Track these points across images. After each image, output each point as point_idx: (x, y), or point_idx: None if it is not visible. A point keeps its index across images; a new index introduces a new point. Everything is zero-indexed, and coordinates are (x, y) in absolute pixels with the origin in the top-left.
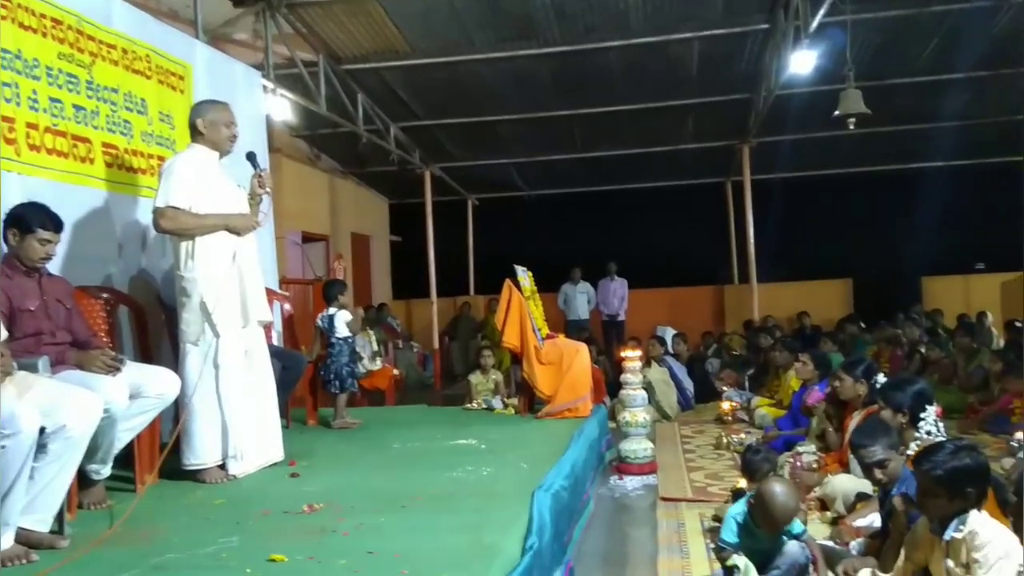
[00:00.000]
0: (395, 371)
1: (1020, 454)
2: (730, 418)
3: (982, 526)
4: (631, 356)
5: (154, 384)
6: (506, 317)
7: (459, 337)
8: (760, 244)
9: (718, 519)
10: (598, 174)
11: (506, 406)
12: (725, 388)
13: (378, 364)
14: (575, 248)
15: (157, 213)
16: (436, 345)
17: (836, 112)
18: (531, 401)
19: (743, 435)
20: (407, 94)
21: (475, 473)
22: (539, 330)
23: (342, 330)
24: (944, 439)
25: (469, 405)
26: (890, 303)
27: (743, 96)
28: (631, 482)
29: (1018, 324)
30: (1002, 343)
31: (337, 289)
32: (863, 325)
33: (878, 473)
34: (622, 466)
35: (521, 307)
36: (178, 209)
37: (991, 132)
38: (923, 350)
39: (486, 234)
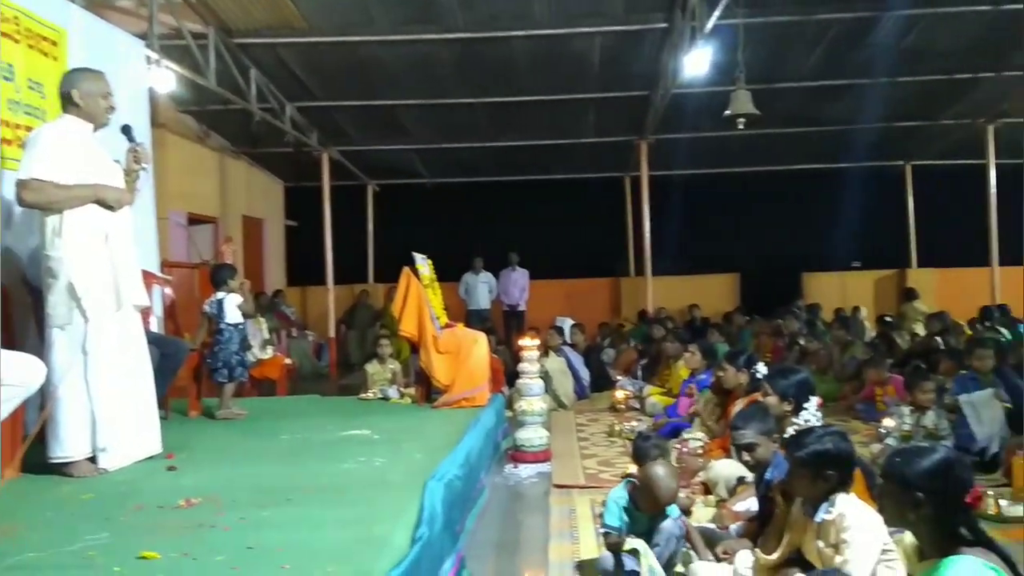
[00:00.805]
0: (287, 360)
1: (887, 440)
2: (623, 407)
3: (850, 508)
4: (529, 345)
5: (16, 371)
6: (404, 305)
7: (357, 326)
8: (656, 238)
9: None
10: (502, 164)
11: (402, 396)
12: (619, 377)
13: (269, 353)
14: (477, 237)
15: (20, 185)
16: (332, 334)
17: (727, 112)
18: (428, 391)
19: (634, 423)
20: (304, 73)
21: (367, 464)
22: (437, 319)
23: (232, 316)
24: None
25: (364, 395)
26: (774, 297)
27: (642, 93)
28: (526, 470)
29: (888, 319)
30: (874, 335)
31: (227, 273)
32: (749, 317)
33: (745, 455)
34: (517, 454)
35: (419, 295)
36: (43, 181)
37: (870, 137)
38: (802, 342)
39: (387, 221)
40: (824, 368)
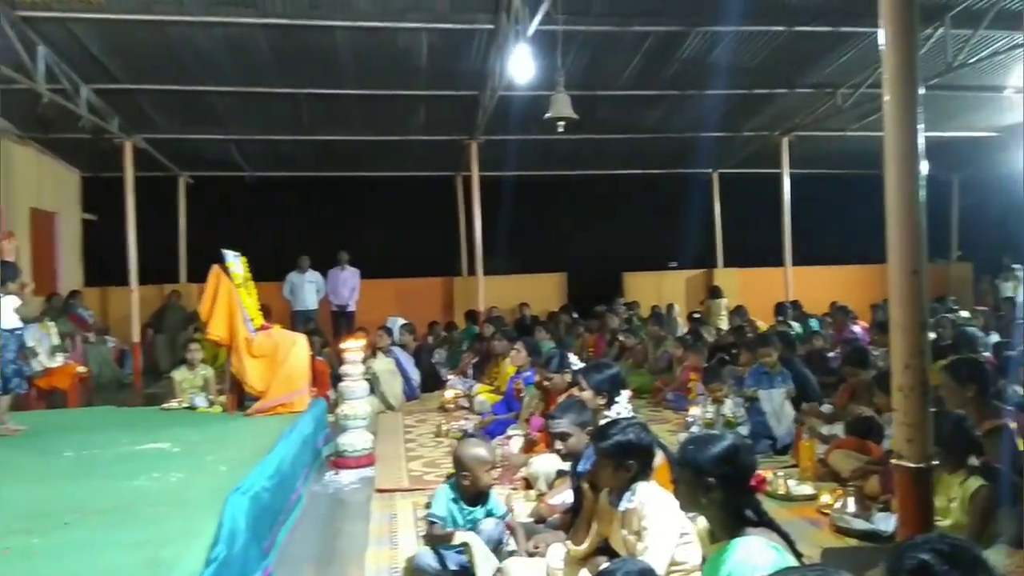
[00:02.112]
0: (80, 369)
1: (693, 428)
2: (452, 406)
3: (651, 496)
4: (351, 347)
5: None
6: (213, 307)
7: (166, 329)
8: (488, 238)
9: (430, 505)
10: (328, 159)
11: (212, 404)
12: (450, 376)
13: (59, 360)
14: (304, 235)
15: None
16: (137, 338)
17: (547, 115)
18: (241, 398)
19: (462, 422)
20: (102, 52)
21: (161, 480)
22: (251, 320)
23: (8, 320)
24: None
25: (168, 404)
26: (598, 295)
27: (472, 93)
28: (347, 476)
29: (697, 315)
30: (685, 331)
31: (7, 273)
32: (575, 315)
33: (558, 444)
34: (339, 460)
35: (230, 296)
36: None
37: (681, 145)
38: (621, 338)
39: (201, 216)
40: (640, 362)
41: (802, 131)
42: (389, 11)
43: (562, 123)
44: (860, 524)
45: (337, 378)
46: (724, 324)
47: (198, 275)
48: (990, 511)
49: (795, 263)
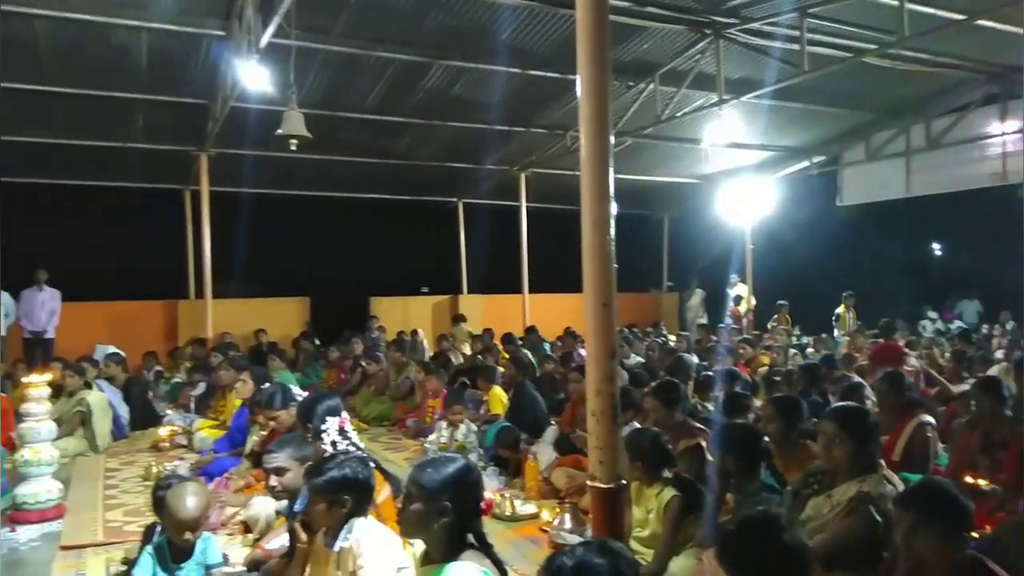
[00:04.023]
0: None
1: (430, 453)
2: (168, 444)
3: (367, 533)
4: (36, 382)
5: None
6: None
7: None
8: (221, 258)
9: (128, 562)
10: (29, 164)
11: None
12: (168, 412)
13: None
14: None
15: None
16: None
17: (278, 131)
18: None
19: (177, 462)
20: None
21: None
22: None
23: None
24: (349, 449)
25: None
26: (344, 321)
27: (200, 102)
28: (27, 532)
29: (445, 340)
30: (431, 355)
31: None
32: (318, 342)
33: (273, 480)
34: (16, 514)
35: None
36: None
37: (429, 173)
38: (363, 364)
39: None
40: (382, 389)
41: (538, 168)
42: (101, 3)
43: (294, 141)
44: (574, 539)
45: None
46: (468, 349)
47: None
48: (681, 519)
49: (532, 291)
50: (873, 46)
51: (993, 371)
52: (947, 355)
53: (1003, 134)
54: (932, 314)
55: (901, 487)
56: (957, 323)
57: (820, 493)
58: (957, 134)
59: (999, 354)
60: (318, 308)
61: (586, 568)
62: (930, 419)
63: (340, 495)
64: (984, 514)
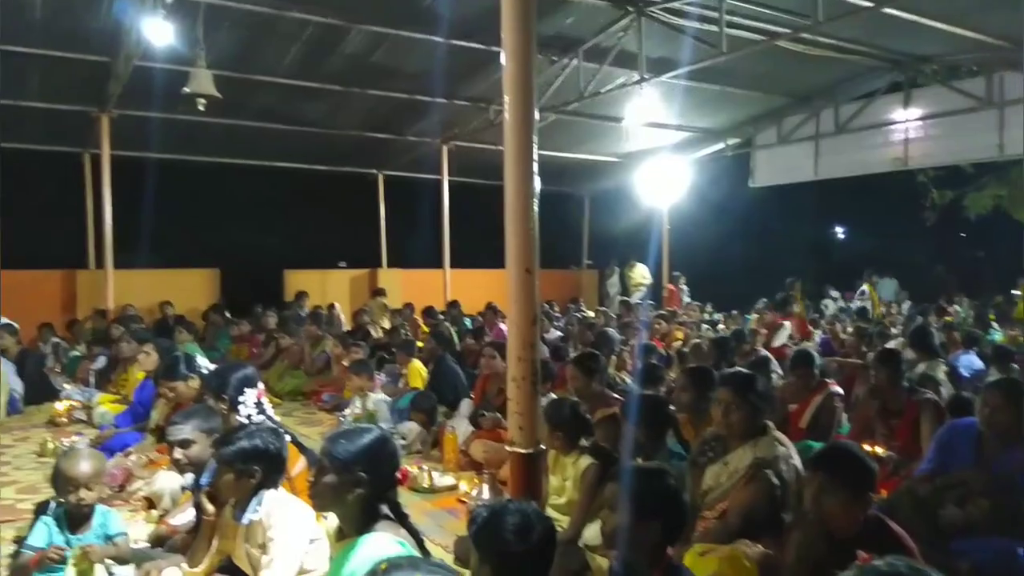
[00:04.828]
0: None
1: (345, 426)
2: (65, 419)
3: (278, 505)
4: None
5: None
6: None
7: None
8: (124, 227)
9: (20, 541)
10: None
11: None
12: (66, 386)
13: None
14: None
15: None
16: None
17: (185, 88)
18: None
19: (75, 437)
20: None
21: None
22: None
23: None
24: (269, 421)
25: None
26: (257, 295)
27: (102, 59)
28: None
29: (364, 314)
30: (349, 329)
31: None
32: (229, 315)
33: (178, 453)
34: None
35: None
36: None
37: (348, 143)
38: (277, 337)
39: None
40: (297, 363)
41: (461, 141)
42: None
43: (203, 101)
44: None
45: None
46: (386, 323)
47: None
48: (597, 486)
49: (454, 266)
50: (787, 30)
51: (891, 345)
52: (848, 330)
53: (905, 121)
54: (834, 293)
55: (791, 447)
56: (856, 302)
57: (716, 460)
58: (863, 120)
59: (895, 330)
60: (229, 280)
61: (499, 515)
62: (838, 390)
63: (249, 466)
64: (881, 479)
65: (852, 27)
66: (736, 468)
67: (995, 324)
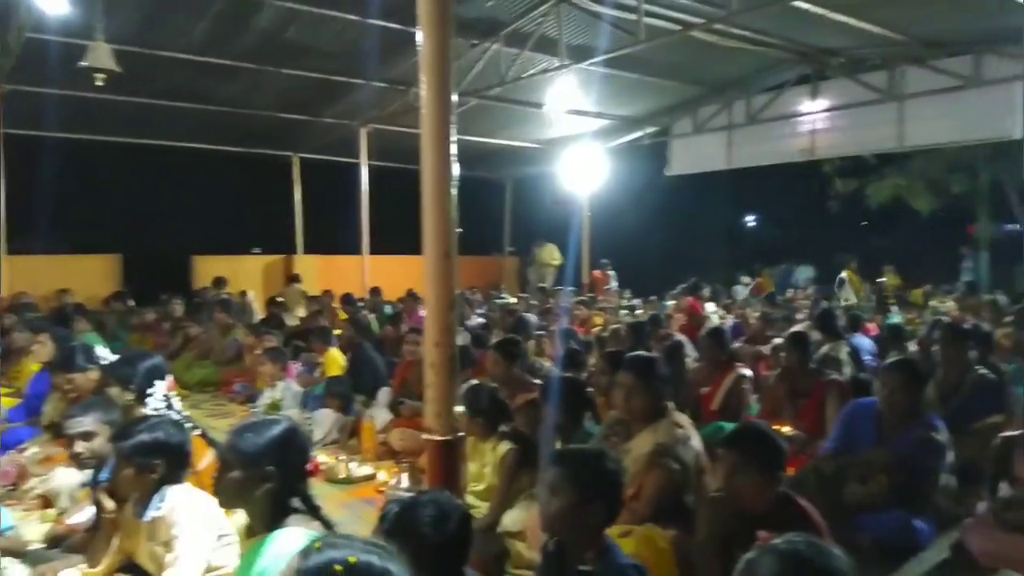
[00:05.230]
0: None
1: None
2: None
3: (183, 501)
4: None
5: None
6: None
7: None
8: (16, 210)
9: None
10: None
11: None
12: None
13: None
14: None
15: None
16: None
17: (81, 62)
18: None
19: None
20: None
21: None
22: None
23: None
24: (176, 414)
25: None
26: (162, 283)
27: None
28: None
29: (278, 300)
30: (261, 318)
31: None
32: (133, 303)
33: (79, 447)
34: None
35: None
36: None
37: (261, 124)
38: (184, 326)
39: None
40: (206, 353)
41: (380, 124)
42: None
43: (102, 76)
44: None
45: None
46: (302, 311)
47: None
48: (516, 471)
49: (373, 252)
50: (703, 20)
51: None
52: (756, 315)
53: (813, 112)
54: (745, 279)
55: (690, 427)
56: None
57: (620, 445)
58: (773, 110)
59: (799, 315)
60: (132, 267)
61: (412, 508)
62: (748, 371)
63: (151, 460)
64: (788, 457)
65: (763, 19)
66: (638, 455)
67: (893, 308)
